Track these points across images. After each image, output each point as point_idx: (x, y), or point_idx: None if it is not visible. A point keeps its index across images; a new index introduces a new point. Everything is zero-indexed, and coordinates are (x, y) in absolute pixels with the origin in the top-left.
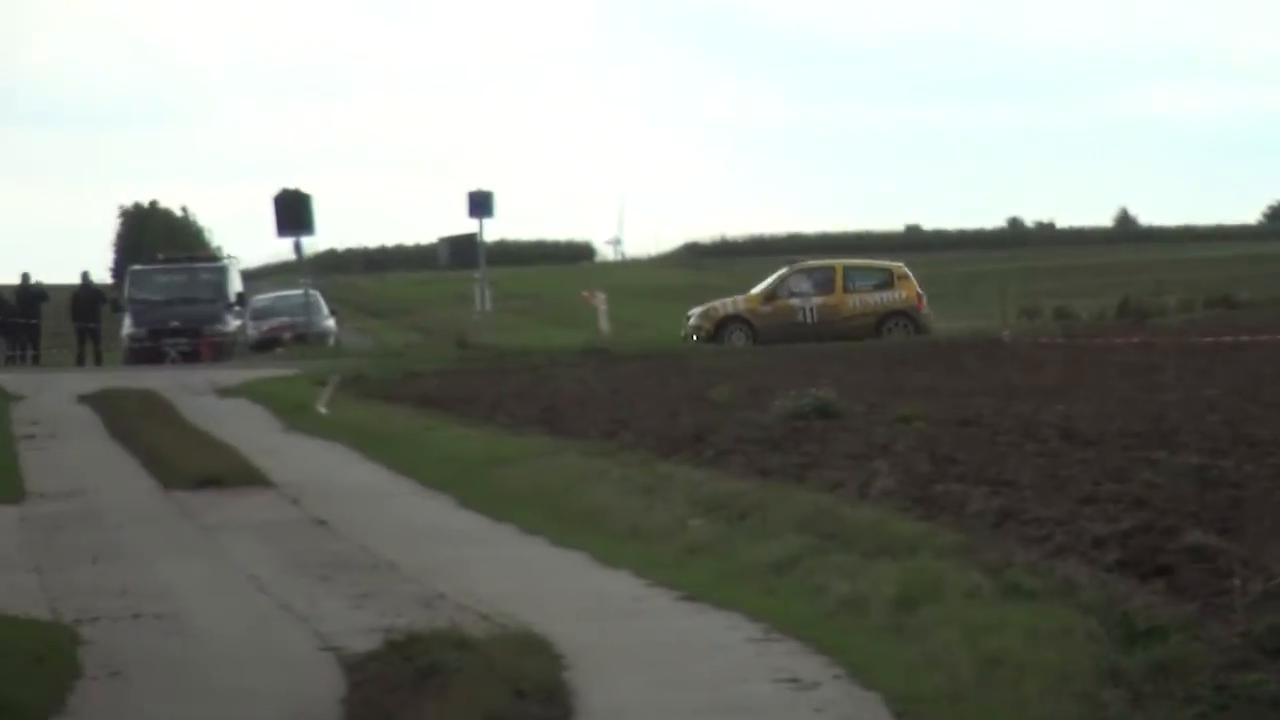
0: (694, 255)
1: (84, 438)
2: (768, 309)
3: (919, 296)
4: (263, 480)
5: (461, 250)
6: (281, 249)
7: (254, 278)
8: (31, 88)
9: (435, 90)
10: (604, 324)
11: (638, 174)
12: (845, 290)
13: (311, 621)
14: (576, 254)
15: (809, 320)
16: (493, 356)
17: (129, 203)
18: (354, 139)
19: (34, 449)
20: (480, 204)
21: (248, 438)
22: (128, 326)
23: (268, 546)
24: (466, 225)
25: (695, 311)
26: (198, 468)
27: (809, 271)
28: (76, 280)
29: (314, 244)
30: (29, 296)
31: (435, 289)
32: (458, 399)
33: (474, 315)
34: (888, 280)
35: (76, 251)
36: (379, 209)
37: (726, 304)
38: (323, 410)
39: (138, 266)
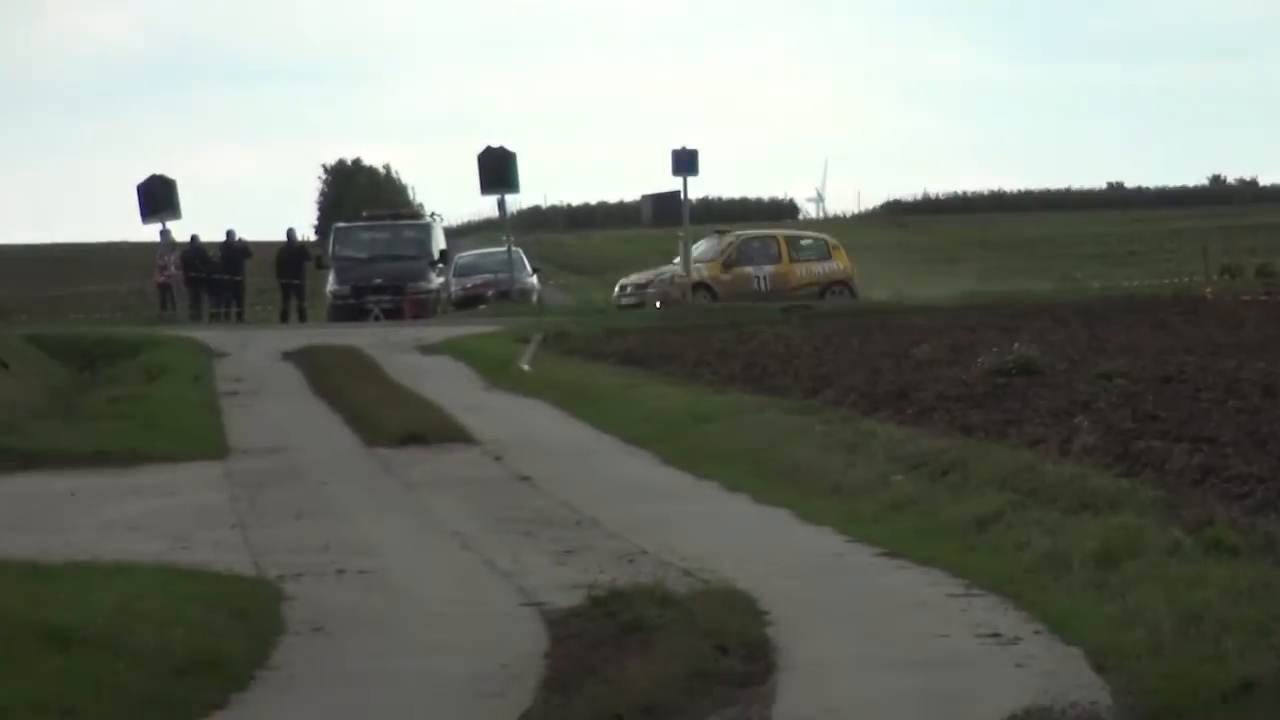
0: (895, 213)
1: (287, 394)
2: (727, 277)
3: (851, 266)
4: (466, 437)
5: (665, 207)
6: (485, 206)
7: (457, 235)
8: (236, 47)
9: (641, 48)
10: None
11: (841, 131)
12: (791, 260)
13: (514, 577)
14: (779, 211)
15: (763, 289)
16: (695, 314)
17: (333, 160)
18: (559, 97)
19: (238, 406)
20: (685, 162)
21: (450, 395)
22: (332, 283)
23: (471, 503)
24: (671, 183)
25: (635, 279)
26: (401, 424)
27: (755, 241)
28: (280, 237)
29: (517, 201)
30: (233, 253)
31: (638, 246)
32: (660, 356)
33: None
34: (825, 251)
35: (281, 209)
36: (583, 166)
37: (691, 271)
38: (525, 367)
39: (342, 224)
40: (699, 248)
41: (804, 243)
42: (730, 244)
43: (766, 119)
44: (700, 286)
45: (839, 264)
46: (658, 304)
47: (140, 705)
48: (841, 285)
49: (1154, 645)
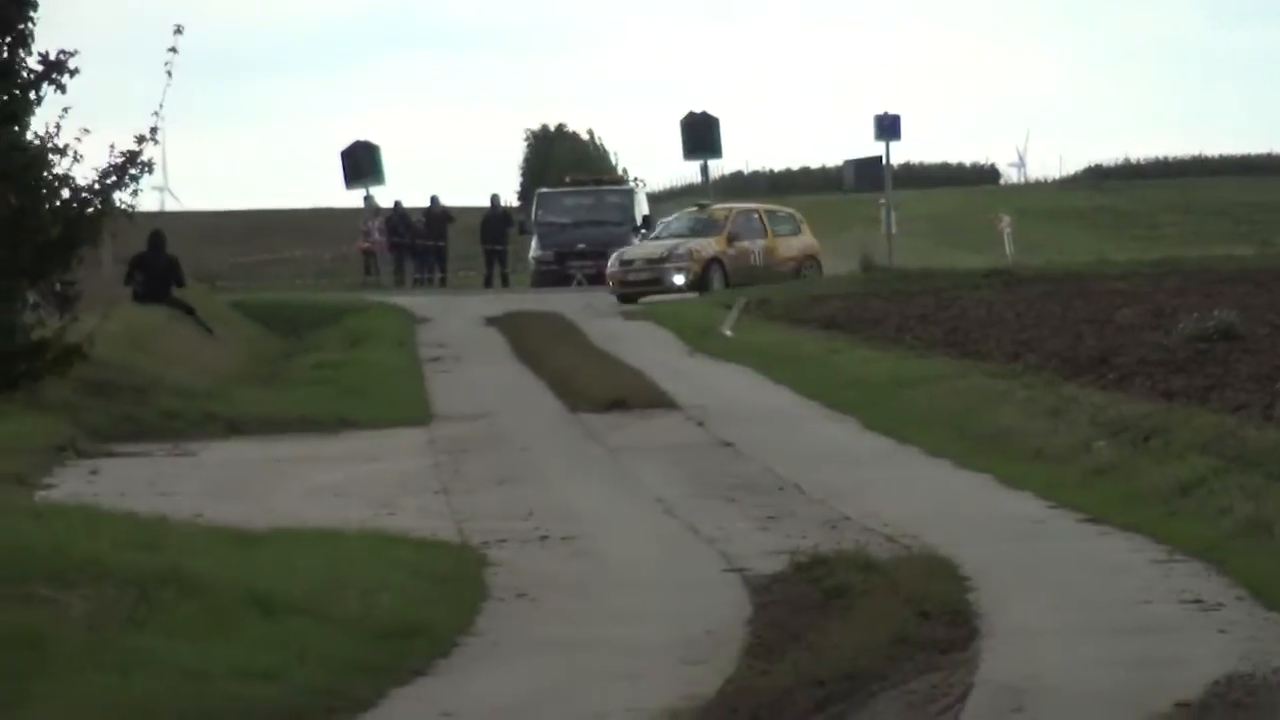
0: (1097, 178)
1: (490, 360)
2: (733, 251)
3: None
4: (668, 403)
5: (867, 173)
6: (687, 172)
7: (660, 200)
8: (441, 11)
9: (843, 11)
10: (1008, 246)
11: (1042, 95)
12: (774, 235)
13: (717, 543)
14: (980, 176)
15: (758, 263)
16: (897, 279)
17: (536, 125)
18: (760, 62)
19: (440, 371)
20: (887, 127)
21: (653, 360)
22: (534, 249)
23: (674, 469)
24: (872, 148)
25: (644, 253)
26: (603, 390)
27: (742, 215)
28: (483, 203)
29: (720, 166)
30: (436, 219)
31: (840, 211)
32: (863, 321)
33: (879, 238)
34: (796, 225)
35: (483, 174)
36: (785, 131)
37: (705, 245)
38: (728, 333)
39: (545, 189)
40: (665, 220)
41: (779, 217)
42: (727, 217)
43: (969, 82)
44: (715, 262)
45: (808, 239)
46: (679, 280)
47: (344, 670)
48: (813, 260)
49: None
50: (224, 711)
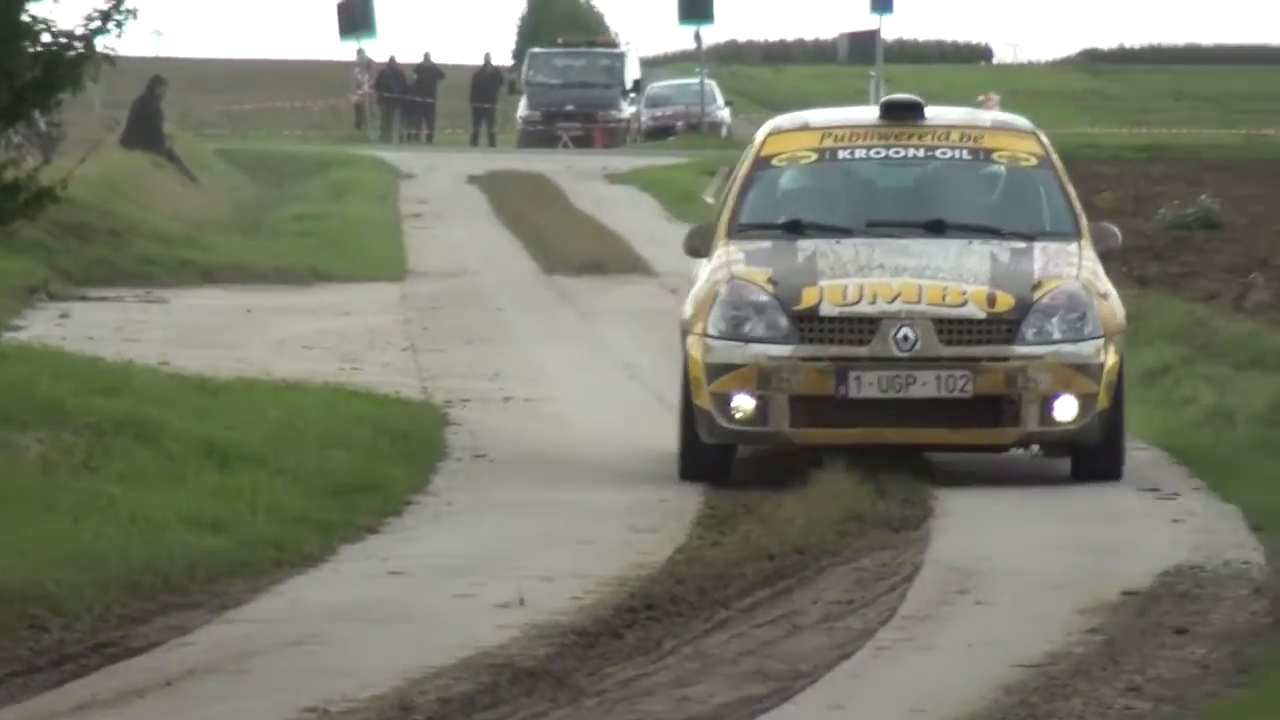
0: (1091, 61)
1: (470, 219)
2: None
3: None
4: (644, 268)
5: (861, 46)
6: (681, 38)
7: (652, 66)
8: None
9: None
10: None
11: None
12: None
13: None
14: (974, 55)
15: None
16: None
17: None
18: None
19: (420, 228)
20: (882, 0)
21: (633, 225)
22: (523, 109)
23: (645, 336)
24: (867, 21)
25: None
26: (580, 253)
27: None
28: (478, 62)
29: (714, 34)
30: (427, 75)
31: (831, 84)
32: None
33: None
34: None
35: (481, 34)
36: (782, 2)
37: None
38: (709, 200)
39: (536, 49)
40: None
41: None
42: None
43: None
44: None
45: None
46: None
47: (293, 524)
48: None
49: None
50: (171, 560)
